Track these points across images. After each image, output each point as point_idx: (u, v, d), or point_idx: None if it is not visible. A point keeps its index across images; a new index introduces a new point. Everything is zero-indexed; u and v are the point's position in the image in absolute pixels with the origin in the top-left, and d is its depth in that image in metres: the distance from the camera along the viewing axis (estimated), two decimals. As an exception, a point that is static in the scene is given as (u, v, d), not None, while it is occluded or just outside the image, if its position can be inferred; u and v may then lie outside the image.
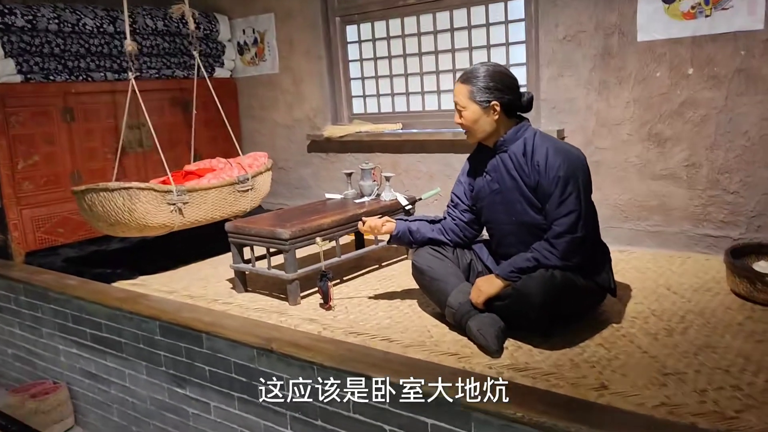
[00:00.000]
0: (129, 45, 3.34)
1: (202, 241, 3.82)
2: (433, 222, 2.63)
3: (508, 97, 2.33)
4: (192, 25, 3.67)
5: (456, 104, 2.39)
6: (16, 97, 3.78)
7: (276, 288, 3.04)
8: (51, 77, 3.93)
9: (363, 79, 4.44)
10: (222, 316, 2.70)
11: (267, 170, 3.85)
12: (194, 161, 4.13)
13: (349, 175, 3.49)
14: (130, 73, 3.36)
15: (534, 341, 2.23)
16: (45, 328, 3.50)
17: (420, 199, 2.97)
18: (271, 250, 2.92)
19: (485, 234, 2.63)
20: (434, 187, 3.27)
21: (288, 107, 4.76)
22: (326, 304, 2.71)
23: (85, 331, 3.22)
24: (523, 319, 2.23)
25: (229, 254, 3.12)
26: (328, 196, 3.53)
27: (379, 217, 2.65)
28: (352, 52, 4.45)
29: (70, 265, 3.68)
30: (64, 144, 4.02)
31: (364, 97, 4.47)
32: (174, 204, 3.28)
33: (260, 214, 3.66)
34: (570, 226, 2.22)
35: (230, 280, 3.23)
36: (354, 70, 4.48)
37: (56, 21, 3.86)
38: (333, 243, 3.02)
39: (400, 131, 4.16)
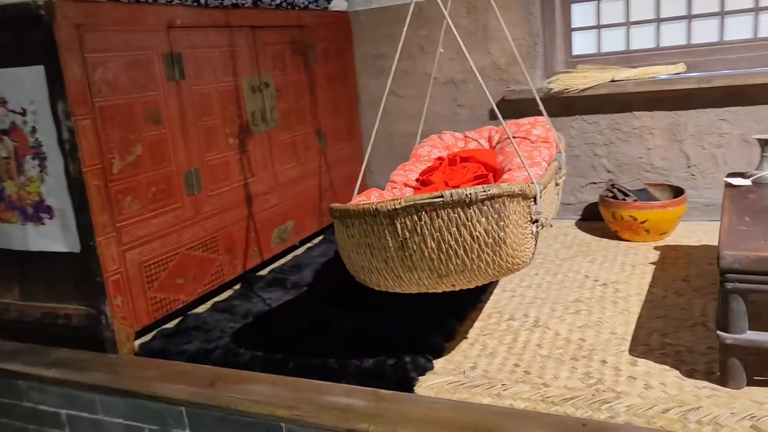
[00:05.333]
0: None
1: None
2: None
3: None
4: None
5: None
6: (99, 32, 1.88)
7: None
8: (148, -7, 2.05)
9: None
10: None
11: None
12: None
13: (766, 142, 2.04)
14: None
15: None
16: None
17: None
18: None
19: None
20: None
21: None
22: None
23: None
24: None
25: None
26: (728, 180, 2.06)
27: None
28: (575, -40, 2.94)
29: (267, 362, 1.87)
30: (174, 121, 2.16)
31: (599, 27, 2.97)
32: (536, 221, 1.65)
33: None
34: None
35: (661, 356, 1.70)
36: (578, -12, 2.97)
37: None
38: None
39: (689, 75, 2.75)
